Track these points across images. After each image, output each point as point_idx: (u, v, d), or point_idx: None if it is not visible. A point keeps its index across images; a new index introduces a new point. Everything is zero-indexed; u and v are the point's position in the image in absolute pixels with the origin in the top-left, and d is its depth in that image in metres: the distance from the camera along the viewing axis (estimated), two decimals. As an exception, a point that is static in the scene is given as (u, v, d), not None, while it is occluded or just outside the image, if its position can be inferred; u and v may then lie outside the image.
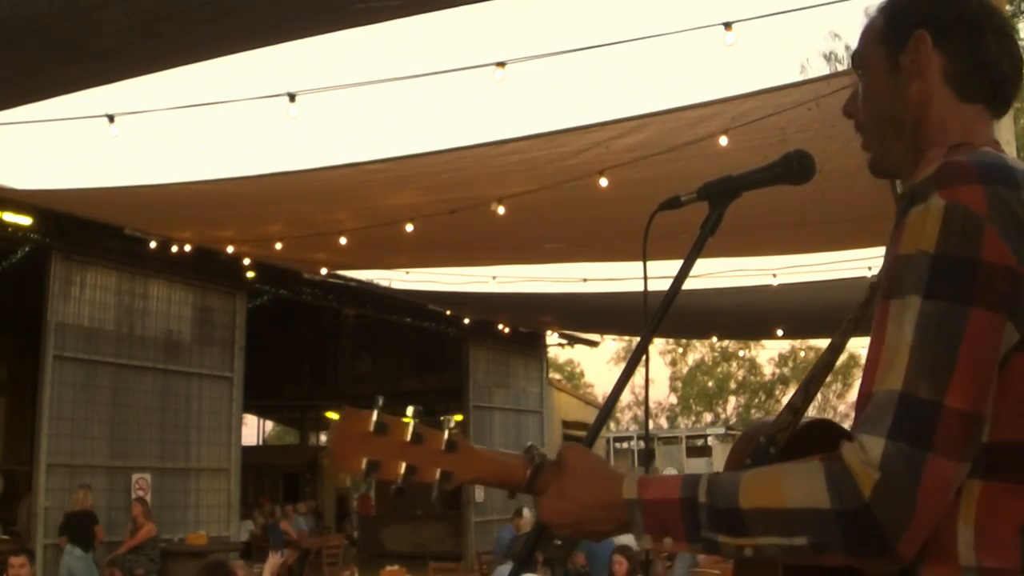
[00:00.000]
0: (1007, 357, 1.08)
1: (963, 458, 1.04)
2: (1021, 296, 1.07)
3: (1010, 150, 5.58)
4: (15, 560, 6.86)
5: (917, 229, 1.10)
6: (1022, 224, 1.09)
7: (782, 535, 1.05)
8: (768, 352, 41.60)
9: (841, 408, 41.53)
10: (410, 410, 1.19)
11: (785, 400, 1.42)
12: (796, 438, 1.32)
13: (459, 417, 18.21)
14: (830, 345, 1.42)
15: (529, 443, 1.29)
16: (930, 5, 1.30)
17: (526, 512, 10.56)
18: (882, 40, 1.34)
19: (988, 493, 1.08)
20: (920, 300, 1.06)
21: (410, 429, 1.18)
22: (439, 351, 17.96)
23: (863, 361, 1.14)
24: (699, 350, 44.67)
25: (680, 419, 44.20)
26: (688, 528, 1.11)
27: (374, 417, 1.18)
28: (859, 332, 1.43)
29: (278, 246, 10.53)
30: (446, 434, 1.19)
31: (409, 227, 8.98)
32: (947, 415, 1.03)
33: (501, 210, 8.25)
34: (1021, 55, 1.30)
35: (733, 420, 41.84)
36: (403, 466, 1.17)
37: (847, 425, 1.27)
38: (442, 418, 1.21)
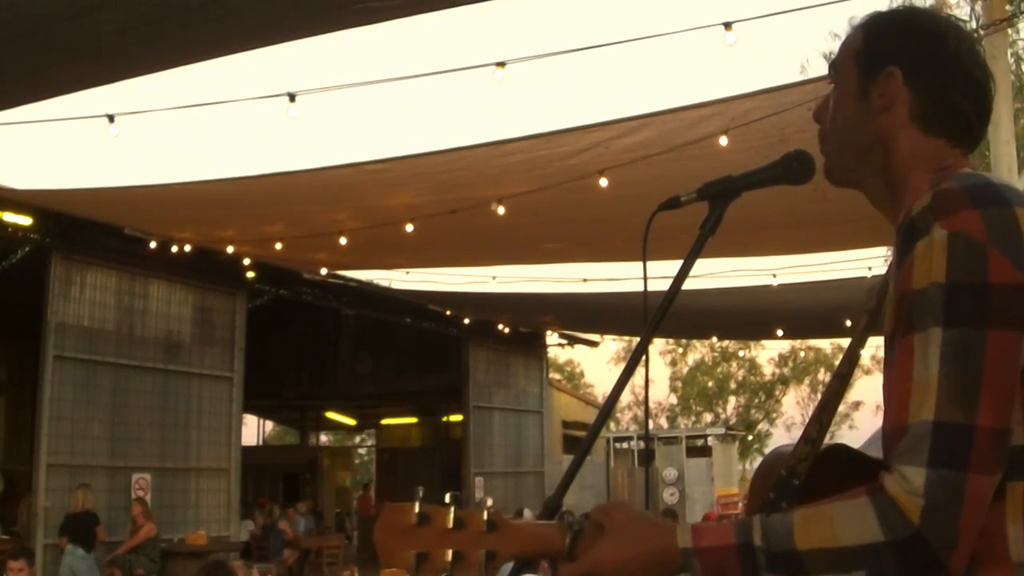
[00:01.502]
0: None
1: (997, 470, 1.11)
2: None
3: (1010, 150, 5.58)
4: (14, 564, 6.66)
5: (926, 262, 1.14)
6: (1020, 239, 1.14)
7: (841, 571, 1.11)
8: (768, 352, 41.47)
9: (841, 408, 41.51)
10: (448, 497, 1.23)
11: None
12: (816, 466, 1.35)
13: (459, 417, 18.23)
14: (837, 372, 1.44)
15: (563, 510, 1.31)
16: (906, 40, 1.33)
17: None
18: (856, 61, 1.37)
19: None
20: (941, 331, 1.12)
21: (451, 516, 1.21)
22: (439, 351, 17.94)
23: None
24: (699, 350, 44.52)
25: (680, 419, 44.08)
26: (746, 571, 1.15)
27: (416, 509, 1.20)
28: (862, 346, 1.46)
29: (278, 246, 10.53)
30: (485, 515, 1.22)
31: (409, 227, 8.98)
32: (980, 435, 1.09)
33: (501, 210, 8.25)
34: (990, 99, 1.33)
35: (733, 420, 41.70)
36: (450, 554, 1.20)
37: (851, 439, 1.27)
38: (480, 498, 1.21)
